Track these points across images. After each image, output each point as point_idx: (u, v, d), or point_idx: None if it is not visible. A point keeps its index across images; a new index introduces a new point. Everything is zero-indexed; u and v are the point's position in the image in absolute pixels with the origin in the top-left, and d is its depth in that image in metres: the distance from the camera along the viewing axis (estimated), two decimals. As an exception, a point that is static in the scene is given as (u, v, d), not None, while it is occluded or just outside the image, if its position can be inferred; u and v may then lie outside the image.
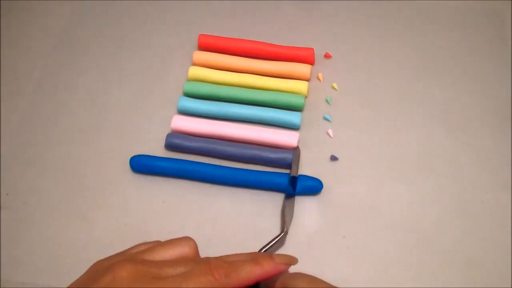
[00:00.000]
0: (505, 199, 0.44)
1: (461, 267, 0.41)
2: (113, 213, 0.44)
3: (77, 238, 0.43)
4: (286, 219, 0.42)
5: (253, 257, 0.33)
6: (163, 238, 0.43)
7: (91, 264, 0.34)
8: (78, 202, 0.45)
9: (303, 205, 0.44)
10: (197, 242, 0.42)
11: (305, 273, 0.33)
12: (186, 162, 0.46)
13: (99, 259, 0.41)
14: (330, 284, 0.32)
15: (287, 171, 0.45)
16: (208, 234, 0.43)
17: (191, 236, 0.42)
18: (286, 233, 0.42)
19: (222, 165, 0.46)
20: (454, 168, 0.46)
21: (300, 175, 0.45)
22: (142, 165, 0.46)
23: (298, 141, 0.47)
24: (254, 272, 0.32)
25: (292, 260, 0.34)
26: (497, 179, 0.45)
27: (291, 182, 0.44)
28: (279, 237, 0.41)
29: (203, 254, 0.42)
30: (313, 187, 0.44)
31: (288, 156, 0.45)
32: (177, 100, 0.49)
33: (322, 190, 0.45)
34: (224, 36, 0.53)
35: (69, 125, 0.49)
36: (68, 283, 0.32)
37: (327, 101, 0.50)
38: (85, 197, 0.45)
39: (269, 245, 0.40)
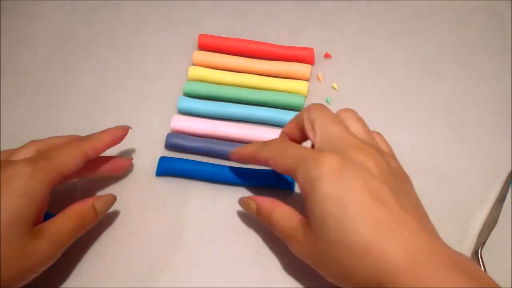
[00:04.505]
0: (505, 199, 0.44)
1: (461, 267, 0.41)
2: (113, 212, 0.44)
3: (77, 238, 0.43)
4: None
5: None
6: (163, 237, 0.43)
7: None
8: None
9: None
10: (197, 242, 0.42)
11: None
12: (187, 161, 0.46)
13: (99, 261, 0.41)
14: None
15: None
16: (209, 234, 0.43)
17: (191, 236, 0.43)
18: None
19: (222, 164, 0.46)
20: (454, 168, 0.46)
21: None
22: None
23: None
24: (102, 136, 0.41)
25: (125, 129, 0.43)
26: (497, 179, 0.45)
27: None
28: None
29: (203, 254, 0.42)
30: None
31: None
32: (177, 100, 0.50)
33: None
34: (224, 36, 0.53)
35: (69, 125, 0.49)
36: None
37: (327, 101, 0.50)
38: (85, 196, 0.45)
39: None
